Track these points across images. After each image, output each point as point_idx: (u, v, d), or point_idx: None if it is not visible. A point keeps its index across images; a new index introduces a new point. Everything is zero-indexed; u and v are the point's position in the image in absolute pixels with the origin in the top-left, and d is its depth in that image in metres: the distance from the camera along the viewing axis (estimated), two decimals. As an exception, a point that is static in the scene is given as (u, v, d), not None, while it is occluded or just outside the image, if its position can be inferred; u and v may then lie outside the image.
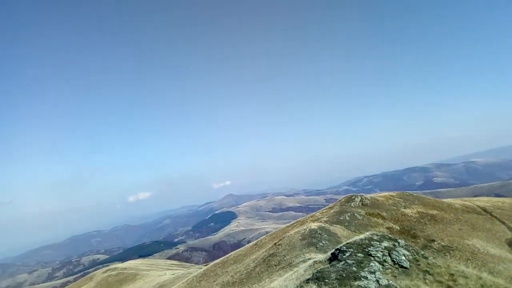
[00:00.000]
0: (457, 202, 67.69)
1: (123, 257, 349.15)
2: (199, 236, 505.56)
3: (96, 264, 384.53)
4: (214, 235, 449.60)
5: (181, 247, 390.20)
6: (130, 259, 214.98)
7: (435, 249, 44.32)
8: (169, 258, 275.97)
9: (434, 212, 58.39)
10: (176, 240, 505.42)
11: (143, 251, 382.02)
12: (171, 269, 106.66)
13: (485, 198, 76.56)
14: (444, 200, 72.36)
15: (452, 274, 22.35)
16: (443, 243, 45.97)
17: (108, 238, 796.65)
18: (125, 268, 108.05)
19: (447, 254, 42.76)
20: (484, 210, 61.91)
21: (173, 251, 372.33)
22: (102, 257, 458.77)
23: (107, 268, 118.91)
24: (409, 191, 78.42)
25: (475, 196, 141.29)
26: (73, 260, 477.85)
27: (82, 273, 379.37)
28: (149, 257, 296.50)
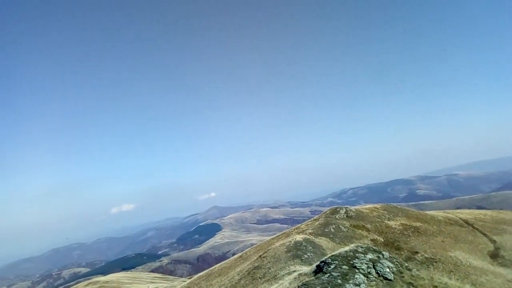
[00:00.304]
0: (440, 214, 68.61)
1: (105, 270, 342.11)
2: (184, 248, 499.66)
3: (77, 278, 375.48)
4: (199, 247, 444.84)
5: (165, 260, 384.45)
6: (113, 272, 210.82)
7: (418, 261, 44.70)
8: (152, 271, 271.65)
9: (418, 224, 59.04)
10: (160, 252, 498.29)
11: (126, 264, 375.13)
12: (154, 282, 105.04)
13: (467, 211, 77.84)
14: (427, 212, 73.31)
15: (436, 286, 22.60)
16: (426, 255, 46.41)
17: (90, 251, 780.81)
18: (107, 282, 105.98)
19: (430, 266, 43.15)
20: (466, 222, 62.84)
21: (156, 264, 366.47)
22: (83, 270, 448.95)
23: (89, 281, 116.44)
24: (393, 203, 79.25)
25: (458, 208, 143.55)
26: (53, 274, 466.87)
27: (62, 286, 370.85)
28: (132, 270, 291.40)
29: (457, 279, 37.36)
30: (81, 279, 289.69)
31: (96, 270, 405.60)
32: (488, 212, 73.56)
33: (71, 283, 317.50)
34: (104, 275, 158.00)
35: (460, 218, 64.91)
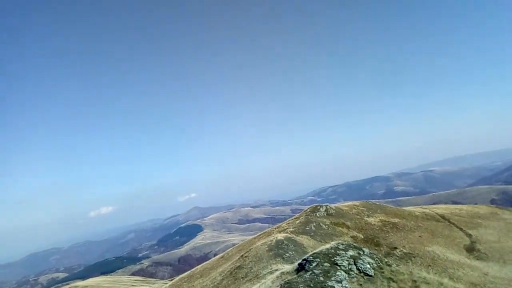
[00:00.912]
0: (417, 210, 70.02)
1: (84, 275, 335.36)
2: (164, 250, 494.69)
3: (55, 283, 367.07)
4: (180, 248, 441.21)
5: (145, 262, 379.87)
6: (92, 276, 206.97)
7: (397, 256, 45.52)
8: (133, 274, 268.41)
9: (396, 220, 60.10)
10: (140, 255, 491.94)
11: (105, 268, 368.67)
12: (135, 286, 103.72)
13: (443, 206, 79.70)
14: (405, 208, 74.69)
15: (415, 281, 23.06)
16: (405, 250, 47.31)
17: (68, 255, 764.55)
18: (86, 286, 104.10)
19: (409, 261, 44.02)
20: (443, 217, 64.33)
21: (137, 267, 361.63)
22: (61, 275, 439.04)
23: (67, 286, 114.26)
24: (372, 200, 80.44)
25: (434, 203, 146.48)
26: (30, 280, 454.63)
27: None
28: (112, 273, 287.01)
29: (435, 273, 38.20)
30: (59, 285, 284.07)
31: (75, 275, 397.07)
32: (464, 206, 75.47)
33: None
34: (83, 280, 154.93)
35: (437, 213, 66.41)
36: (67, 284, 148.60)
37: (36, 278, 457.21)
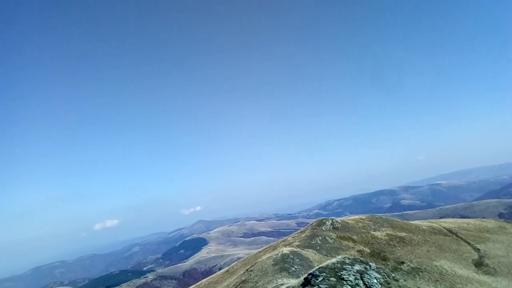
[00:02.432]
0: (424, 223, 69.32)
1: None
2: (169, 263, 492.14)
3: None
4: (185, 262, 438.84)
5: (150, 276, 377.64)
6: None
7: (405, 271, 44.94)
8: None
9: (403, 234, 59.51)
10: (145, 268, 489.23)
11: (110, 281, 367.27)
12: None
13: (451, 220, 78.81)
14: (412, 222, 73.98)
15: (422, 296, 22.76)
16: (412, 265, 46.72)
17: (73, 269, 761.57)
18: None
19: (416, 275, 43.42)
20: (450, 231, 63.61)
21: (141, 280, 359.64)
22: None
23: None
24: (378, 214, 79.81)
25: (441, 217, 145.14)
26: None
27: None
28: (117, 287, 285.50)
29: (443, 288, 37.66)
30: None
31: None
32: (471, 220, 74.63)
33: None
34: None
35: (444, 227, 65.70)
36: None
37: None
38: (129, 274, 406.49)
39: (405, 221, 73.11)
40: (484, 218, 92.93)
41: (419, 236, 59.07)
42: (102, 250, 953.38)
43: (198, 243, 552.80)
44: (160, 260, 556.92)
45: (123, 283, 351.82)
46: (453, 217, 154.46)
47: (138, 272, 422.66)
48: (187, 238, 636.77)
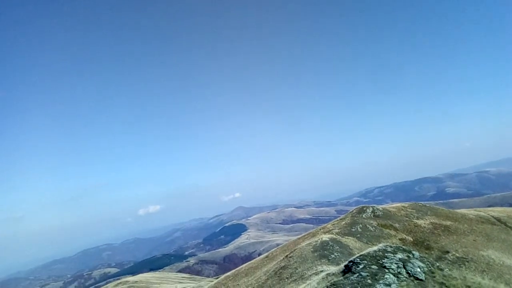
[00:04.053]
0: (471, 212, 66.71)
1: (133, 271, 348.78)
2: (210, 248, 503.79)
3: (107, 278, 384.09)
4: (225, 247, 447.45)
5: (191, 260, 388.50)
6: (141, 272, 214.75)
7: (449, 260, 43.58)
8: (179, 271, 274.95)
9: (448, 223, 57.57)
10: (186, 253, 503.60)
11: (153, 264, 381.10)
12: (182, 282, 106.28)
13: (499, 208, 75.38)
14: (458, 210, 71.41)
15: (469, 286, 21.99)
16: (458, 255, 45.20)
17: (119, 252, 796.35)
18: (136, 282, 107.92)
19: (462, 265, 42.00)
20: (499, 220, 60.92)
21: (183, 264, 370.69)
22: (113, 270, 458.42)
23: (118, 281, 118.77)
24: (422, 202, 77.54)
25: (489, 206, 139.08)
26: (84, 274, 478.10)
27: (93, 286, 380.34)
28: (160, 270, 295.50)
29: (491, 279, 36.20)
30: (111, 279, 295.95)
31: (125, 270, 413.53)
32: (522, 209, 71.06)
33: (101, 283, 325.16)
34: (133, 275, 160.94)
35: (492, 216, 62.97)
36: (118, 279, 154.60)
37: (89, 272, 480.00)
38: (172, 258, 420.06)
39: (450, 210, 70.69)
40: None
41: (465, 225, 56.96)
42: (146, 235, 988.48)
43: (238, 229, 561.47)
44: (201, 245, 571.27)
45: (166, 266, 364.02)
46: (501, 205, 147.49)
47: (180, 256, 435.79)
48: (226, 224, 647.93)
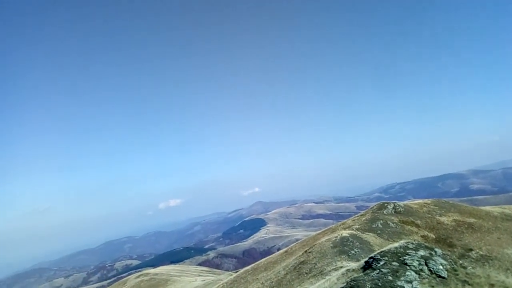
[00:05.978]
0: (495, 209, 65.11)
1: (154, 263, 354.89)
2: (229, 243, 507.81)
3: (129, 269, 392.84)
4: (244, 242, 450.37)
5: (211, 254, 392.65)
6: (162, 264, 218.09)
7: (473, 258, 42.71)
8: (199, 264, 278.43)
9: (472, 220, 56.37)
10: (206, 246, 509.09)
11: (174, 257, 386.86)
12: (201, 275, 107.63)
13: (526, 206, 73.32)
14: (482, 207, 69.77)
15: (493, 285, 21.56)
16: (481, 252, 44.25)
17: (140, 244, 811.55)
18: (157, 274, 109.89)
19: (485, 263, 41.11)
20: (525, 218, 59.27)
21: (203, 258, 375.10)
22: (134, 262, 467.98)
23: (140, 273, 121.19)
24: (445, 199, 76.12)
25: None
26: (107, 265, 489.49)
27: (115, 277, 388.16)
28: (180, 263, 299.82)
29: (516, 278, 35.40)
30: (133, 271, 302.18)
31: (146, 262, 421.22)
32: (549, 207, 68.94)
33: (123, 274, 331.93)
34: (154, 268, 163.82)
35: (518, 214, 61.34)
36: (140, 271, 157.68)
37: (112, 264, 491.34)
38: (192, 251, 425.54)
39: (474, 207, 69.14)
40: None
41: (490, 223, 55.66)
42: (166, 228, 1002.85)
43: (257, 224, 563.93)
44: (221, 239, 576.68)
45: (186, 259, 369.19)
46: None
47: (200, 250, 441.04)
48: (246, 219, 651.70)
